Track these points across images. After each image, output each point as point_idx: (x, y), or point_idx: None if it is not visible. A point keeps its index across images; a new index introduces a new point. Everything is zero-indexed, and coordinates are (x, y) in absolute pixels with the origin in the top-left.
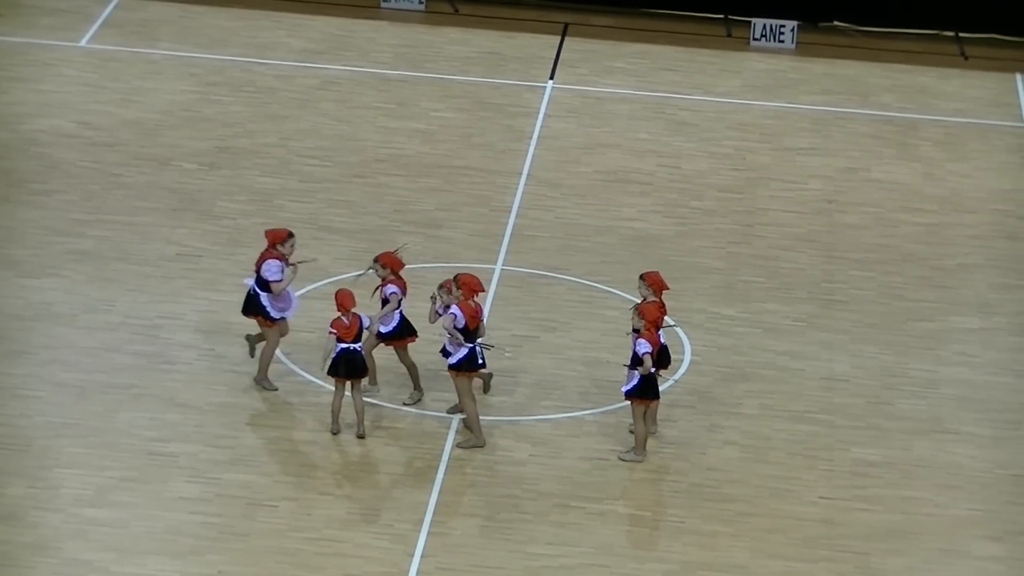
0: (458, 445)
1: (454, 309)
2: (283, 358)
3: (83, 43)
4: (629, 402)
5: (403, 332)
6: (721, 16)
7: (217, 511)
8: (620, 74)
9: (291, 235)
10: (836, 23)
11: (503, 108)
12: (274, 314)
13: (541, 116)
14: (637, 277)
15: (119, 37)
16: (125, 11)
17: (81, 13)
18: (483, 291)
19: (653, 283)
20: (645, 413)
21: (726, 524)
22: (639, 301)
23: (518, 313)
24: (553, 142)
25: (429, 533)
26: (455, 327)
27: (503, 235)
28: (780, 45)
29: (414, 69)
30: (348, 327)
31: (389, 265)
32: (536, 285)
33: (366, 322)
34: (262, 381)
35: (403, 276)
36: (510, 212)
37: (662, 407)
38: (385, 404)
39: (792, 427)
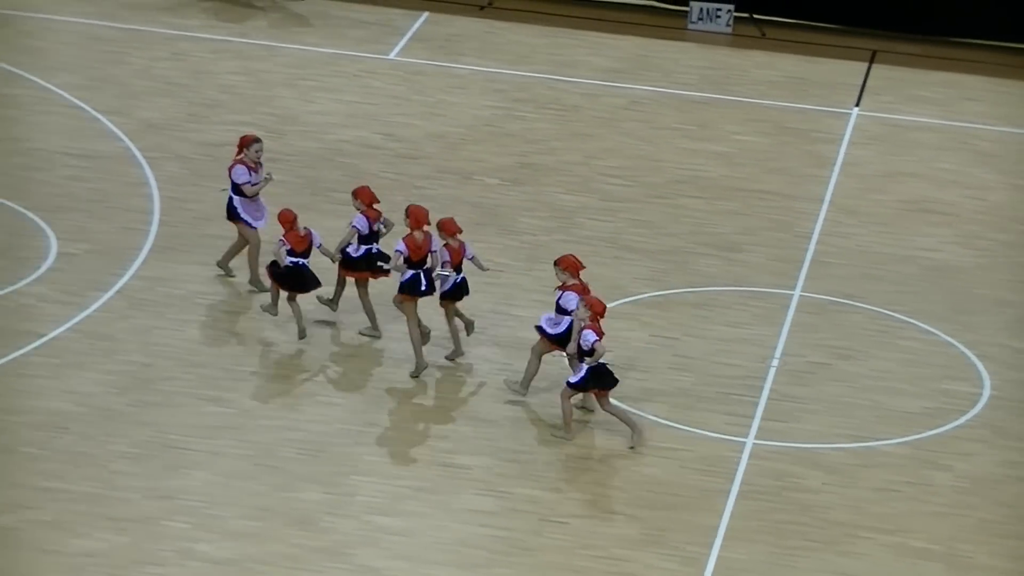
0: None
1: (399, 245)
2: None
3: (391, 56)
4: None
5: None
6: None
7: (506, 525)
8: (925, 103)
9: (257, 140)
10: None
11: (806, 133)
12: (246, 218)
13: (845, 143)
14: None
15: (426, 51)
16: (433, 25)
17: (390, 26)
18: (428, 224)
19: (568, 266)
20: (575, 397)
21: (1017, 561)
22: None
23: (814, 340)
24: (855, 169)
25: (718, 557)
26: (401, 261)
27: (802, 261)
28: None
29: (718, 91)
30: (300, 239)
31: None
32: (833, 312)
33: (317, 240)
34: (255, 283)
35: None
36: (810, 238)
37: None
38: (677, 425)
39: None
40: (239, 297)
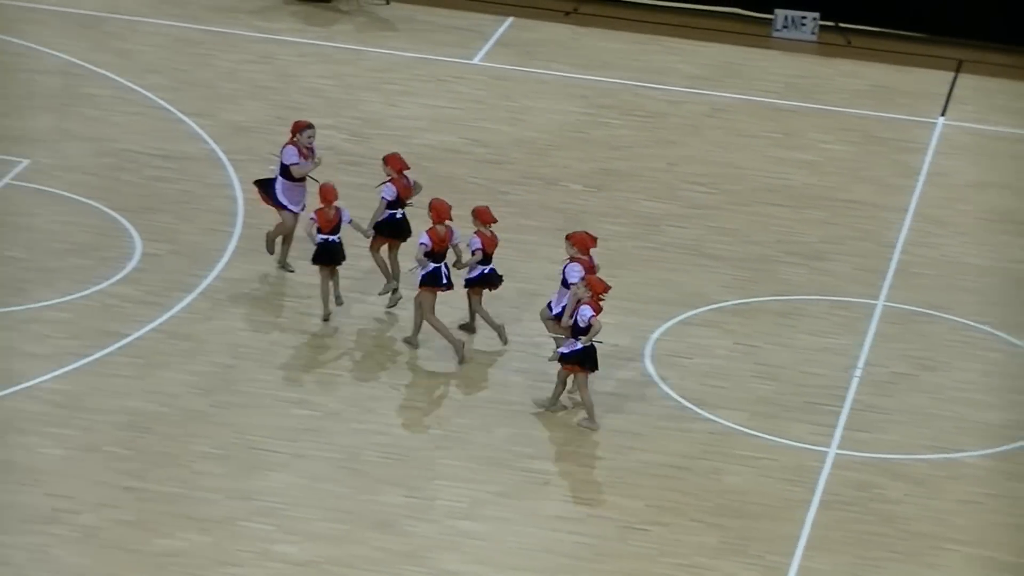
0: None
1: (423, 238)
2: (660, 382)
3: (476, 60)
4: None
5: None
6: None
7: (588, 531)
8: (1011, 113)
9: (310, 126)
10: None
11: (892, 142)
12: (284, 201)
13: (930, 152)
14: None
15: (511, 56)
16: (519, 30)
17: (475, 31)
18: (451, 219)
19: (577, 242)
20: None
21: None
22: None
23: (898, 350)
24: (941, 179)
25: (800, 567)
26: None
27: (887, 271)
28: None
29: (804, 99)
30: (330, 219)
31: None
32: (917, 323)
33: (347, 216)
34: (269, 246)
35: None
36: (895, 248)
37: None
38: (759, 434)
39: None
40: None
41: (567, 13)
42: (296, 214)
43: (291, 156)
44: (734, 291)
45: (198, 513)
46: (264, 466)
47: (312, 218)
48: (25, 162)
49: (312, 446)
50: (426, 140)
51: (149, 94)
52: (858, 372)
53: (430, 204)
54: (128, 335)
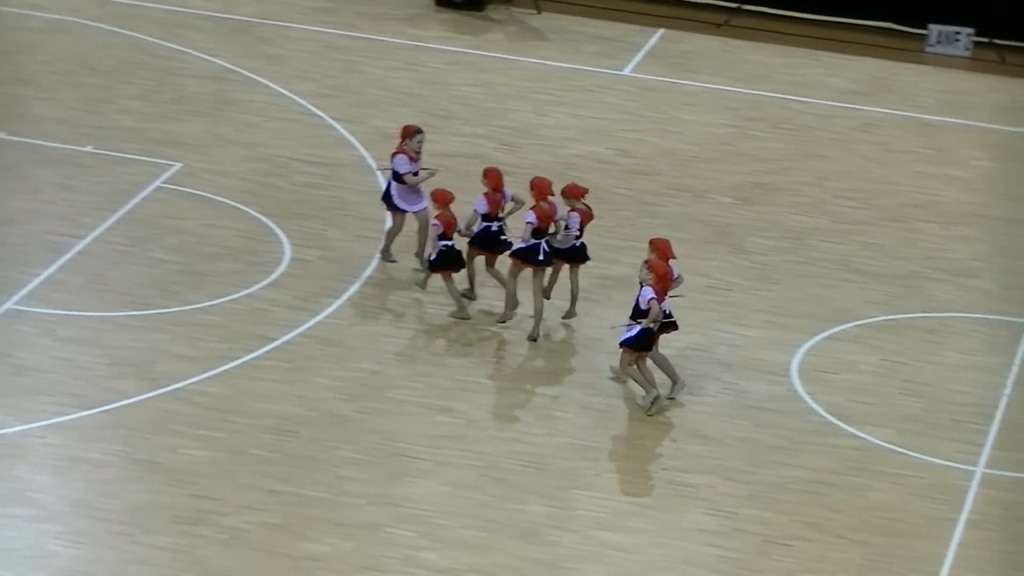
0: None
1: (529, 216)
2: (806, 397)
3: (626, 72)
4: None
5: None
6: None
7: (732, 545)
8: None
9: (420, 131)
10: None
11: None
12: (400, 205)
13: None
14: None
15: (661, 67)
16: (669, 42)
17: (626, 42)
18: (552, 195)
19: (658, 249)
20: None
21: None
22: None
23: None
24: None
25: None
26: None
27: None
28: None
29: (955, 115)
30: (451, 222)
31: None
32: None
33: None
34: (384, 252)
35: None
36: None
37: None
38: (906, 452)
39: None
40: (469, 308)
41: (718, 25)
42: (417, 213)
43: (403, 165)
44: (882, 307)
45: (342, 518)
46: (408, 472)
47: (434, 223)
48: (177, 166)
49: (456, 454)
50: (574, 150)
51: (300, 100)
52: (1007, 391)
53: (531, 183)
54: (276, 339)
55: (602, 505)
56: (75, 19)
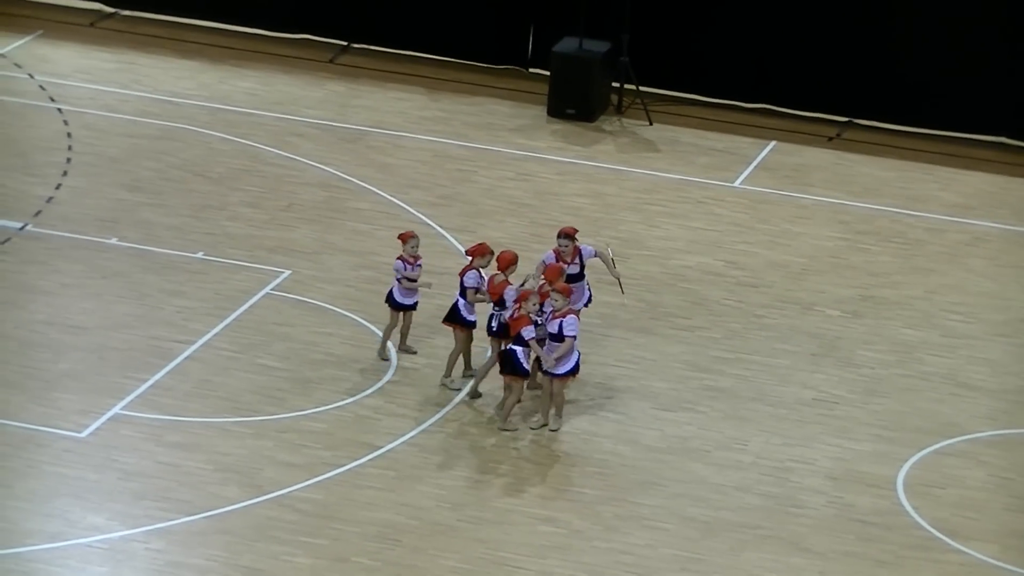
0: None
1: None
2: (912, 511)
3: (737, 183)
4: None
5: None
6: None
7: None
8: None
9: (414, 236)
10: None
11: None
12: (468, 317)
13: None
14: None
15: (772, 180)
16: (781, 155)
17: (737, 154)
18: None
19: (550, 273)
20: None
21: None
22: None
23: None
24: None
25: None
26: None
27: None
28: None
29: None
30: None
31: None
32: None
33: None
34: (445, 380)
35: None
36: None
37: None
38: (1012, 568)
39: None
40: (569, 419)
41: (830, 138)
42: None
43: (471, 280)
44: (990, 422)
45: None
46: None
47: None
48: (286, 273)
49: (559, 563)
50: (684, 261)
51: (411, 209)
52: None
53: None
54: (381, 447)
55: None
56: (186, 126)
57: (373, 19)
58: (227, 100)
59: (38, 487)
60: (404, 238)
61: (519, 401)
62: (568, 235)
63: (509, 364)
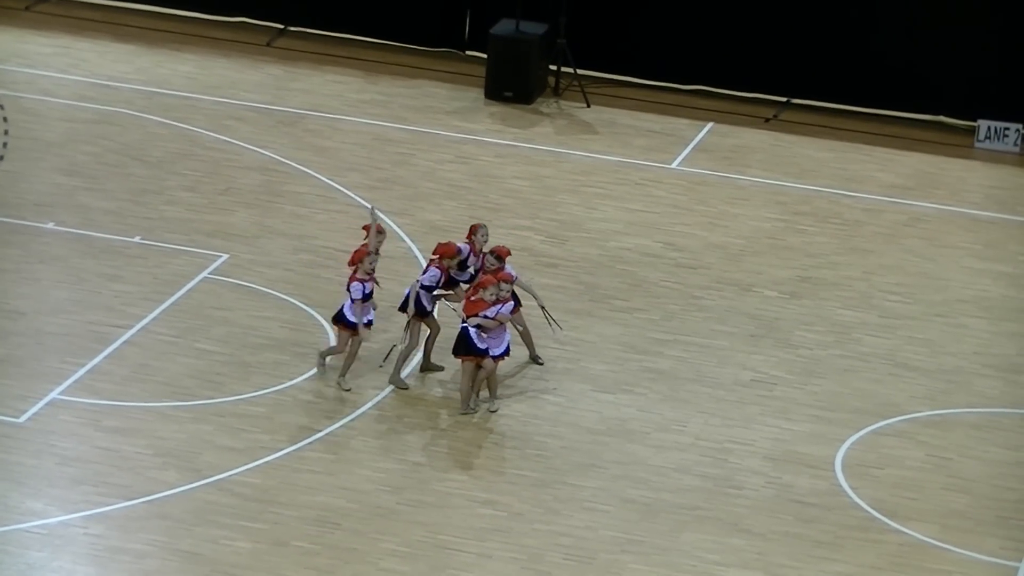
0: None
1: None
2: (851, 492)
3: (674, 165)
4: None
5: None
6: None
7: None
8: None
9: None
10: None
11: None
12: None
13: None
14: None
15: (709, 161)
16: (718, 136)
17: (675, 136)
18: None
19: (444, 252)
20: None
21: None
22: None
23: None
24: None
25: None
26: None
27: None
28: None
29: (1004, 211)
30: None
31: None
32: None
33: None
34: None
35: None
36: None
37: None
38: (950, 547)
39: None
40: (509, 402)
41: (767, 119)
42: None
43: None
44: (928, 402)
45: None
46: (451, 566)
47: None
48: (225, 256)
49: (499, 547)
50: (622, 243)
51: (348, 192)
52: None
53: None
54: (320, 431)
55: None
56: (124, 110)
57: (310, 2)
58: (164, 84)
59: None
60: (359, 256)
61: (472, 383)
62: (499, 256)
63: (464, 345)
